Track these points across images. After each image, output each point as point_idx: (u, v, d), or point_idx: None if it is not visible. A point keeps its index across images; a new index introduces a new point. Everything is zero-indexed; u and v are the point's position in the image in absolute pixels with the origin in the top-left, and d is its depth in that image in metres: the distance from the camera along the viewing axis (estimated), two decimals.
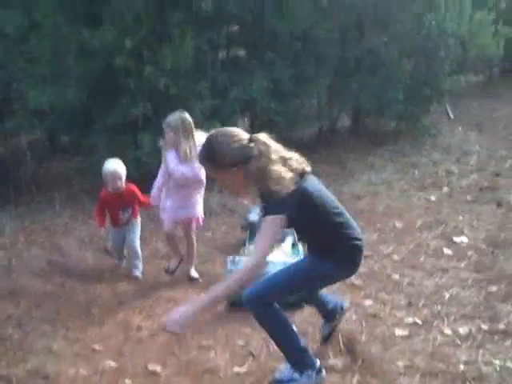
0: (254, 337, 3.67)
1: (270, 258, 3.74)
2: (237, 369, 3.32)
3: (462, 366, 3.21)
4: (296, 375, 3.07)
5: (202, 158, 3.08)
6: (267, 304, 3.01)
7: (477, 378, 3.10)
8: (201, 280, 4.75)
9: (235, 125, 8.19)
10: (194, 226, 4.96)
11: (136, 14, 6.85)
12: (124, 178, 4.86)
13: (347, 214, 3.19)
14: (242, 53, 8.81)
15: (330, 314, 3.60)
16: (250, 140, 2.99)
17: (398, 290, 4.38)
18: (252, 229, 5.40)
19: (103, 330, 3.90)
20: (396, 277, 4.64)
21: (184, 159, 4.57)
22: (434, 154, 8.77)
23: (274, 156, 2.98)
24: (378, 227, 5.89)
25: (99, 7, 6.93)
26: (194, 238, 5.00)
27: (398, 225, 5.93)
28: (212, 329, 3.85)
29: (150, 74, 6.87)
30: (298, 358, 3.09)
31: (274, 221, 2.90)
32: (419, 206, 6.57)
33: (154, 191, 4.83)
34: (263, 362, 3.39)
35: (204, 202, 6.44)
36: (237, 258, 4.43)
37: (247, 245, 5.05)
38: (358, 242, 3.14)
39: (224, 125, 7.80)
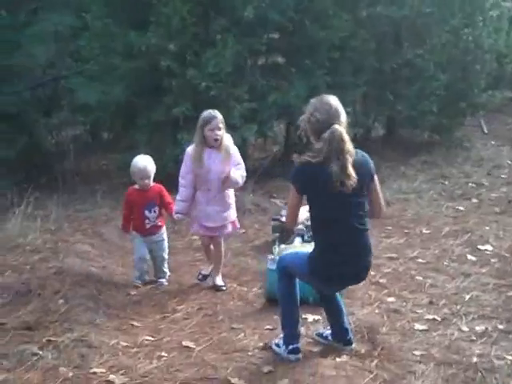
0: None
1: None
2: (262, 345, 3.59)
3: (475, 358, 3.41)
4: (280, 342, 3.51)
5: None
6: (287, 274, 3.49)
7: (488, 370, 3.29)
8: (225, 288, 4.65)
9: (271, 129, 8.51)
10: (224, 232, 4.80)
11: (181, 19, 7.17)
12: (152, 176, 4.77)
13: (346, 228, 3.29)
14: (281, 59, 9.06)
15: (338, 335, 3.62)
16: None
17: (420, 290, 4.58)
18: (283, 229, 5.54)
19: (141, 310, 4.19)
20: (419, 278, 4.84)
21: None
22: (465, 167, 8.91)
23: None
24: (406, 232, 6.09)
25: (146, 11, 7.27)
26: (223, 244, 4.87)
27: (425, 231, 6.12)
28: (242, 314, 4.12)
29: (192, 76, 7.19)
30: (285, 331, 3.49)
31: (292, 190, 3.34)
32: (447, 214, 6.75)
33: (182, 205, 4.61)
34: None
35: (237, 201, 6.80)
36: (277, 257, 4.24)
37: (277, 245, 5.06)
38: (332, 259, 3.29)
39: (261, 128, 8.16)
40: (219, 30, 7.59)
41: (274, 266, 4.09)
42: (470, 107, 10.14)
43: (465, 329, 3.86)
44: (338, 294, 3.70)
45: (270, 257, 4.51)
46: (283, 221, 5.47)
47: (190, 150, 4.56)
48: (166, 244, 4.90)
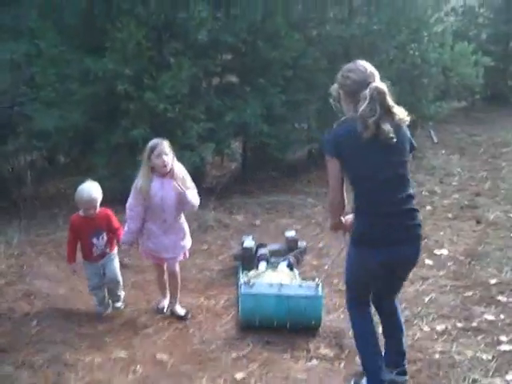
0: (250, 332, 4.09)
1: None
2: (235, 355, 3.71)
3: (437, 355, 3.62)
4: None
5: None
6: (353, 301, 3.35)
7: (450, 365, 3.50)
8: (189, 316, 4.46)
9: (229, 147, 8.66)
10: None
11: (136, 43, 7.28)
12: (99, 203, 4.46)
13: (387, 185, 3.09)
14: (235, 79, 9.25)
15: (392, 360, 3.40)
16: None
17: None
18: (247, 256, 5.50)
19: (112, 327, 4.26)
20: None
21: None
22: (418, 176, 9.19)
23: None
24: None
25: (101, 37, 7.35)
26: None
27: None
28: (211, 326, 4.23)
29: (149, 99, 7.29)
30: (369, 377, 3.25)
31: (326, 159, 3.15)
32: None
33: (129, 237, 4.42)
34: (259, 351, 3.77)
35: (199, 218, 6.91)
36: (252, 280, 4.35)
37: (241, 274, 5.03)
38: (374, 221, 3.07)
39: (218, 147, 8.31)
40: (174, 53, 7.73)
41: (248, 290, 4.16)
42: (420, 118, 10.48)
43: (426, 329, 4.07)
44: (398, 308, 3.53)
45: (243, 279, 4.42)
46: (245, 246, 5.57)
47: (138, 182, 4.31)
48: (116, 265, 4.63)
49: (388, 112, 3.06)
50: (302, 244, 5.80)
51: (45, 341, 3.89)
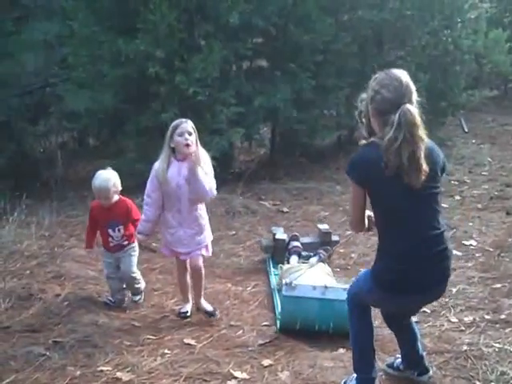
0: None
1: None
2: (261, 341, 3.76)
3: (465, 347, 3.58)
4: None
5: None
6: (357, 303, 3.06)
7: (477, 357, 3.46)
8: (217, 314, 4.19)
9: (258, 132, 8.64)
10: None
11: (168, 25, 7.28)
12: (113, 191, 4.20)
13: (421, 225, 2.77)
14: (265, 64, 9.22)
15: (412, 363, 3.25)
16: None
17: None
18: (278, 248, 5.33)
19: (141, 311, 4.30)
20: None
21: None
22: (447, 165, 9.10)
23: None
24: None
25: (133, 19, 7.36)
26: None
27: None
28: (238, 312, 4.25)
29: (179, 81, 7.30)
30: (360, 375, 3.08)
31: (351, 184, 2.83)
32: None
33: (145, 226, 4.11)
34: (286, 338, 3.80)
35: (227, 203, 6.92)
36: (293, 282, 3.99)
37: (271, 267, 5.05)
38: (398, 266, 2.76)
39: (247, 132, 8.30)
40: (205, 36, 7.73)
41: (290, 293, 3.90)
42: (451, 107, 10.36)
43: (454, 320, 4.03)
44: (413, 322, 3.26)
45: (285, 281, 4.06)
46: (277, 238, 5.36)
47: (156, 164, 4.01)
48: (132, 260, 4.37)
49: (416, 143, 2.66)
50: (335, 238, 5.60)
51: (74, 322, 3.94)
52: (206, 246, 4.18)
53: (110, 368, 3.39)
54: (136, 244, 4.41)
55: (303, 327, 3.87)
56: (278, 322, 4.01)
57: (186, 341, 3.76)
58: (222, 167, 7.27)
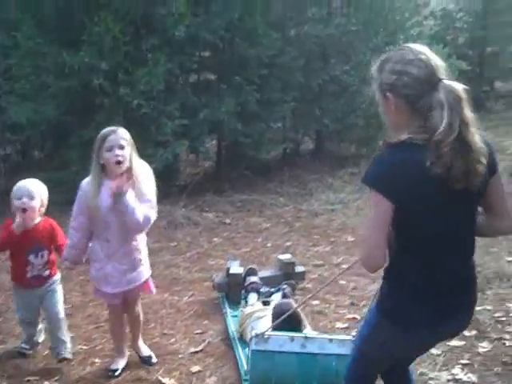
0: (212, 326, 4.18)
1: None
2: (192, 349, 3.80)
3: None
4: None
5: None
6: (362, 379, 2.48)
7: None
8: (155, 360, 3.64)
9: (203, 145, 8.71)
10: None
11: (113, 38, 7.31)
12: (38, 203, 3.50)
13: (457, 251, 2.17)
14: (212, 77, 9.32)
15: None
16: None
17: (343, 293, 4.85)
18: (233, 285, 4.67)
19: (75, 320, 4.31)
20: (343, 282, 5.10)
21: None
22: None
23: None
24: (332, 241, 6.39)
25: (78, 31, 7.37)
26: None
27: (350, 239, 6.43)
28: (172, 321, 4.30)
29: (124, 94, 7.33)
30: None
31: (373, 195, 2.07)
32: None
33: (71, 253, 3.41)
34: (217, 345, 3.86)
35: (169, 215, 6.95)
36: (265, 334, 3.28)
37: (227, 310, 4.44)
38: (430, 294, 2.14)
39: (192, 144, 8.37)
40: (151, 49, 7.78)
41: (259, 347, 3.20)
42: None
43: None
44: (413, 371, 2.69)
45: (254, 332, 3.35)
46: (231, 273, 4.71)
47: (84, 184, 3.34)
48: (58, 298, 3.66)
49: (468, 129, 2.02)
50: (299, 269, 5.00)
51: (5, 333, 3.96)
52: (146, 284, 3.54)
53: (37, 377, 3.40)
54: (58, 277, 3.70)
55: None
56: None
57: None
58: (165, 180, 7.29)
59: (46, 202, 3.59)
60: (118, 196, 3.16)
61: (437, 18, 14.43)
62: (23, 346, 3.72)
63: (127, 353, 3.65)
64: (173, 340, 3.96)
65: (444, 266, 2.13)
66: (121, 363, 3.57)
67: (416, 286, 2.13)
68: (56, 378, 3.41)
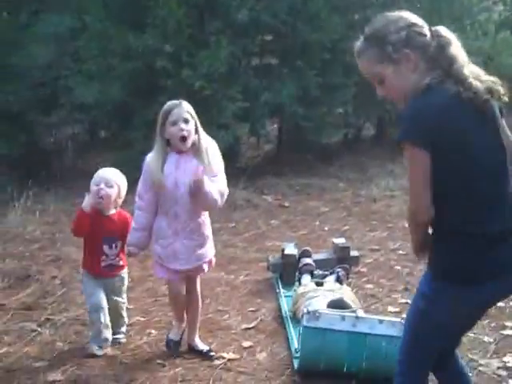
0: (265, 305, 4.27)
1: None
2: (245, 325, 3.90)
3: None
4: None
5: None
6: (418, 367, 2.29)
7: None
8: (212, 354, 3.48)
9: (264, 128, 8.77)
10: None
11: (177, 21, 7.44)
12: (116, 191, 3.48)
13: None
14: (274, 61, 9.35)
15: None
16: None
17: (398, 278, 4.83)
18: (288, 266, 4.67)
19: (134, 295, 4.45)
20: (398, 267, 5.10)
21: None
22: None
23: None
24: (389, 226, 6.36)
25: (143, 14, 7.55)
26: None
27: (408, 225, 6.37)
28: (227, 298, 4.39)
29: (187, 76, 7.46)
30: None
31: (408, 150, 2.04)
32: None
33: (137, 236, 3.34)
34: (269, 323, 3.95)
35: (229, 196, 7.05)
36: (317, 312, 3.25)
37: (281, 290, 4.46)
38: (488, 241, 2.02)
39: (253, 127, 8.45)
40: (213, 32, 7.89)
41: (311, 324, 3.18)
42: None
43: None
44: (464, 365, 2.54)
45: (306, 309, 3.30)
46: (286, 254, 4.73)
47: (149, 158, 3.28)
48: (125, 289, 3.73)
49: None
50: (354, 253, 4.95)
51: (68, 302, 4.14)
52: (210, 262, 3.47)
53: None
54: (126, 268, 3.70)
55: (329, 367, 3.18)
56: (296, 361, 3.32)
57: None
58: (226, 162, 7.35)
59: (123, 193, 3.53)
60: (198, 189, 3.06)
61: (507, 3, 13.94)
62: (93, 342, 3.49)
63: (184, 322, 3.61)
64: (226, 316, 4.05)
65: (504, 210, 2.05)
66: (179, 331, 3.58)
67: (478, 239, 2.02)
68: (116, 346, 3.54)
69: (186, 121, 3.16)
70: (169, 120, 3.16)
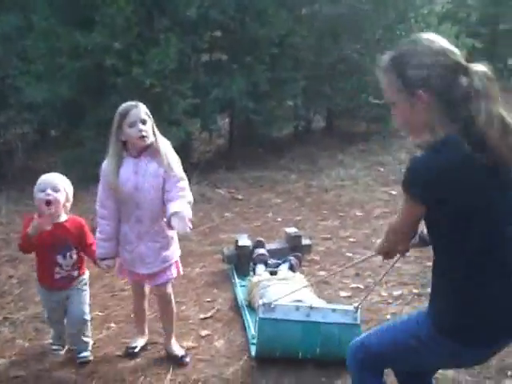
0: (221, 295, 4.40)
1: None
2: (202, 315, 4.02)
3: (388, 316, 3.89)
4: None
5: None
6: (373, 366, 2.31)
7: None
8: (188, 360, 3.45)
9: (215, 123, 8.86)
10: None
11: (125, 18, 7.46)
12: (64, 196, 3.27)
13: None
14: (223, 56, 9.45)
15: None
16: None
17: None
18: (242, 257, 4.81)
19: (92, 291, 4.46)
20: (349, 254, 5.27)
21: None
22: (400, 154, 9.41)
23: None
24: (340, 215, 6.54)
25: (91, 12, 7.53)
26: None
27: (358, 214, 6.58)
28: (184, 289, 4.49)
29: (137, 74, 7.49)
30: None
31: (406, 197, 2.01)
32: (380, 199, 7.23)
33: (106, 246, 3.27)
34: (226, 312, 4.08)
35: None
36: (272, 304, 3.38)
37: (236, 280, 4.60)
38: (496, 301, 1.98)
39: (204, 122, 8.54)
40: (162, 30, 7.92)
41: (268, 315, 3.31)
42: None
43: (384, 294, 4.33)
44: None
45: (261, 301, 3.42)
46: (240, 245, 4.84)
47: (104, 165, 3.21)
48: (85, 298, 3.47)
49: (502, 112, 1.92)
50: (306, 241, 5.11)
51: (26, 300, 4.17)
52: (176, 264, 3.41)
53: None
54: (87, 276, 3.52)
55: (284, 354, 3.37)
56: (253, 348, 3.46)
57: (132, 315, 3.99)
58: (180, 158, 7.42)
59: (71, 197, 3.35)
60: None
61: None
62: (54, 346, 3.52)
63: (147, 332, 3.64)
64: (184, 307, 4.15)
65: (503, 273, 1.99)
66: (140, 341, 3.56)
67: (478, 300, 1.99)
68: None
69: (144, 122, 3.12)
70: (126, 122, 3.11)
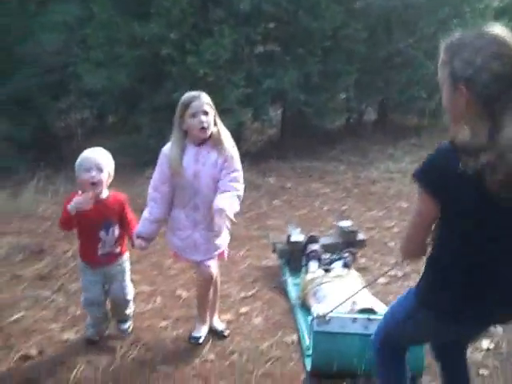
0: (263, 276, 4.61)
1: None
2: (243, 294, 4.22)
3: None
4: None
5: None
6: (388, 347, 2.40)
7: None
8: (227, 333, 3.62)
9: (266, 113, 9.01)
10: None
11: (181, 10, 7.70)
12: (106, 173, 3.26)
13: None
14: (276, 48, 9.58)
15: None
16: None
17: (390, 254, 5.11)
18: (295, 252, 4.64)
19: (140, 267, 4.74)
20: (391, 244, 5.37)
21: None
22: None
23: None
24: (386, 206, 6.63)
25: (148, 3, 7.81)
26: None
27: (405, 205, 6.64)
28: (228, 271, 4.67)
29: (191, 63, 7.73)
30: None
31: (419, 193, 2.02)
32: None
33: (149, 228, 3.30)
34: (266, 292, 4.27)
35: None
36: (327, 316, 3.18)
37: (287, 277, 4.45)
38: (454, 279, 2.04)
39: (256, 112, 8.70)
40: (217, 21, 8.12)
41: (323, 328, 3.15)
42: None
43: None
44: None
45: (316, 313, 3.25)
46: (292, 241, 4.69)
47: (166, 149, 3.27)
48: (128, 277, 3.53)
49: None
50: (360, 236, 4.92)
51: (79, 272, 4.42)
52: (224, 251, 3.54)
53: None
54: (127, 257, 3.51)
55: (342, 369, 3.10)
56: (308, 361, 3.25)
57: (177, 292, 4.23)
58: None
59: (112, 172, 3.34)
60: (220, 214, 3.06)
61: None
62: (91, 333, 3.51)
63: (208, 320, 3.62)
64: (226, 286, 4.33)
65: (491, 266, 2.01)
66: (203, 330, 3.55)
67: (458, 281, 2.04)
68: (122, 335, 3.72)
69: (206, 113, 3.15)
70: (188, 112, 3.14)
